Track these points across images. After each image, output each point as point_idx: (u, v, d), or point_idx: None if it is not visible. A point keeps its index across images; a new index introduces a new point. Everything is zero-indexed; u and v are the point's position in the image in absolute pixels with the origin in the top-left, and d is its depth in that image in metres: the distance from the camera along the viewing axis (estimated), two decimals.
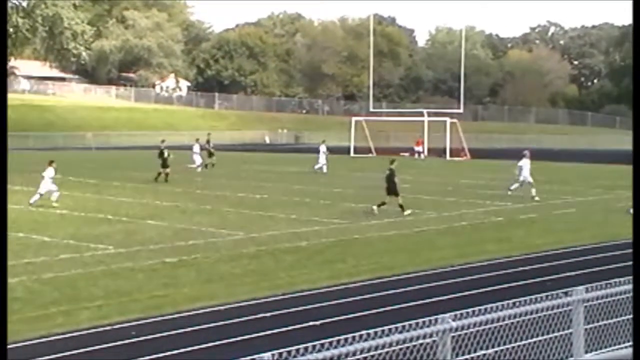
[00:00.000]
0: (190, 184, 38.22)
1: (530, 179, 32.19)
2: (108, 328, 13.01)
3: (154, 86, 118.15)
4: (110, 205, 29.31)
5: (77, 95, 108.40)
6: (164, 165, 38.90)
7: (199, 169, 45.42)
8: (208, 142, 49.11)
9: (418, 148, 67.33)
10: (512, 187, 32.48)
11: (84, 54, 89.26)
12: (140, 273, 17.37)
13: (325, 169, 45.95)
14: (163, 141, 40.20)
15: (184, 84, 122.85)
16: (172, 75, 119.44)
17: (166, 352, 11.82)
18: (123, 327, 13.03)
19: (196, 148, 46.39)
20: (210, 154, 48.21)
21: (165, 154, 38.84)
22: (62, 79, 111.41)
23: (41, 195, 28.54)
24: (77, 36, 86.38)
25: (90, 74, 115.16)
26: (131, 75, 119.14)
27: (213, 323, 13.38)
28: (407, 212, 26.77)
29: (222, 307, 14.42)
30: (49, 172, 29.06)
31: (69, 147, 74.59)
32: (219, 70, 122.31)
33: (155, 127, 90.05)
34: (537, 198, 31.38)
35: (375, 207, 26.89)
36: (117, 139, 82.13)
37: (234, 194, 33.71)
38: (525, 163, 32.63)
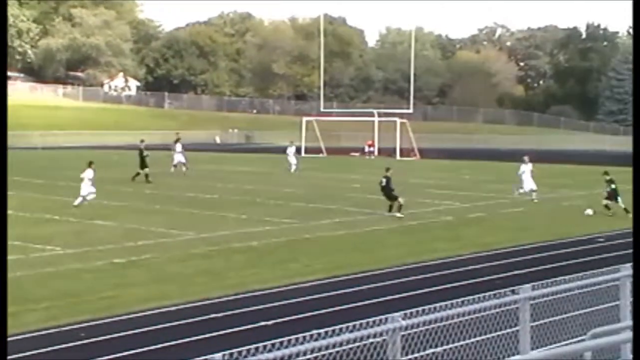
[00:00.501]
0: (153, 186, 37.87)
1: (531, 187, 31.67)
2: (56, 330, 12.84)
3: (102, 85, 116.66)
4: (58, 205, 28.88)
5: (23, 94, 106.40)
6: (143, 165, 38.51)
7: (183, 168, 43.53)
8: (177, 142, 47.50)
9: (368, 148, 67.67)
10: (520, 191, 31.99)
11: (29, 52, 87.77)
12: (89, 274, 17.17)
13: (293, 169, 46.67)
14: (142, 141, 39.69)
15: (133, 83, 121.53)
16: (121, 74, 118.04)
17: (116, 353, 11.71)
18: (72, 329, 12.87)
19: (178, 147, 44.47)
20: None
21: (144, 154, 38.47)
22: (7, 78, 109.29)
23: (84, 197, 28.16)
24: (22, 34, 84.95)
25: (36, 73, 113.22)
26: (79, 74, 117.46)
27: (164, 324, 13.29)
28: (400, 214, 26.59)
29: (173, 308, 14.34)
30: (88, 173, 28.69)
31: (14, 146, 72.94)
32: (169, 69, 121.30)
33: (104, 127, 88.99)
34: (535, 200, 31.15)
35: (398, 214, 26.63)
36: (64, 139, 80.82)
37: (184, 194, 33.48)
38: (526, 169, 32.03)
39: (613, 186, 27.91)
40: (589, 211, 27.83)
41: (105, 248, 20.11)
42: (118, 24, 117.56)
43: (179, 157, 44.18)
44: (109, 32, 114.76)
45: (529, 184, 31.76)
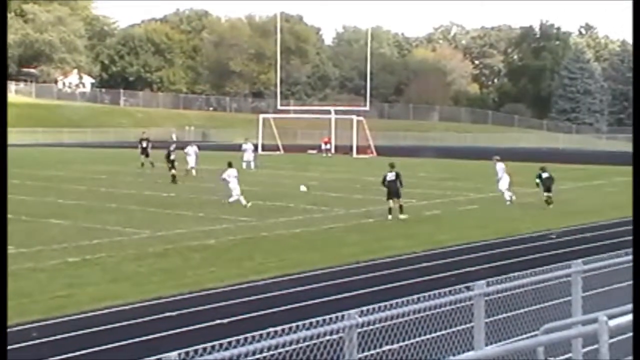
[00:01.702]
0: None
1: (502, 186, 31.08)
2: (7, 330, 12.62)
3: (56, 82, 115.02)
4: (10, 203, 28.36)
5: None
6: (172, 166, 37.80)
7: (193, 172, 41.40)
8: (143, 140, 46.67)
9: (325, 146, 67.64)
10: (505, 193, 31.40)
11: None
12: (42, 273, 16.93)
13: (253, 166, 46.23)
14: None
15: (88, 80, 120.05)
16: (75, 71, 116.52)
17: (69, 353, 11.58)
18: (23, 329, 12.68)
19: (190, 150, 42.53)
20: (145, 154, 46.25)
21: (173, 156, 37.86)
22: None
23: (238, 195, 28.39)
24: None
25: None
26: (32, 70, 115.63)
27: (118, 323, 13.17)
28: (404, 216, 25.84)
29: (127, 307, 14.21)
30: (232, 171, 29.16)
31: None
32: (124, 66, 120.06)
33: (58, 124, 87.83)
34: (507, 203, 30.50)
35: (402, 216, 25.72)
36: (17, 136, 79.52)
37: (140, 192, 33.19)
38: (499, 168, 31.41)
39: (546, 175, 29.84)
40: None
41: (59, 247, 19.85)
42: (72, 20, 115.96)
43: (190, 159, 42.00)
44: (63, 28, 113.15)
45: (504, 183, 31.19)
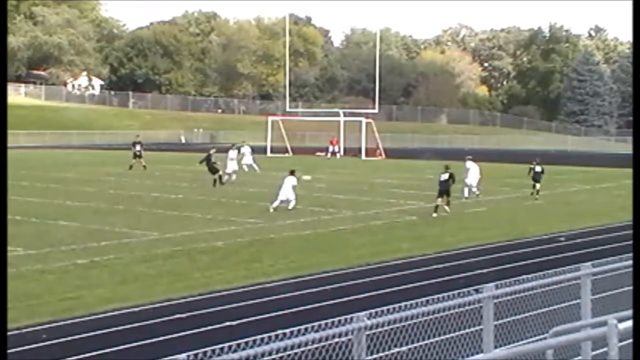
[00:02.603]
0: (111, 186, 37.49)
1: (469, 182, 32.88)
2: (17, 332, 12.66)
3: (65, 84, 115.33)
4: (19, 205, 28.48)
5: None
6: (213, 170, 37.09)
7: (233, 177, 39.84)
8: (136, 143, 47.06)
9: (333, 147, 67.52)
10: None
11: None
12: (50, 275, 16.97)
13: (256, 167, 45.70)
14: (213, 148, 39.02)
15: (97, 83, 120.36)
16: (85, 73, 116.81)
17: (79, 355, 11.60)
18: (33, 330, 12.71)
19: (232, 154, 40.96)
20: (137, 156, 46.35)
21: (213, 159, 37.39)
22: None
23: (282, 201, 28.42)
24: None
25: None
26: (41, 72, 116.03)
27: (127, 325, 13.19)
28: (448, 209, 27.69)
29: (136, 309, 14.23)
30: (292, 180, 28.99)
31: None
32: (133, 68, 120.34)
33: (66, 126, 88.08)
34: (464, 197, 32.44)
35: (435, 214, 27.27)
36: (26, 138, 79.85)
37: (148, 194, 33.25)
38: (470, 167, 33.46)
39: (538, 169, 32.31)
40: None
41: (67, 249, 19.90)
42: (81, 23, 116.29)
43: (232, 165, 40.38)
44: (72, 30, 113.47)
45: (470, 180, 33.18)
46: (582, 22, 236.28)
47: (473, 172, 33.11)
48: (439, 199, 27.75)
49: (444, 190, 27.96)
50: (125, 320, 13.47)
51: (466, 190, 32.71)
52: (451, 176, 28.26)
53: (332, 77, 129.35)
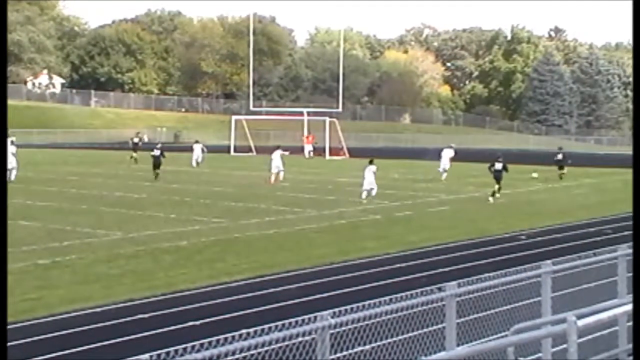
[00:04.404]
0: (66, 182, 37.11)
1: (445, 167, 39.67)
2: None
3: (25, 82, 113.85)
4: None
5: None
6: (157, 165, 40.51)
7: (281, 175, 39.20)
8: (136, 140, 54.48)
9: (308, 146, 65.10)
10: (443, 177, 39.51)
11: None
12: (10, 276, 16.72)
13: (200, 161, 50.10)
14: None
15: (58, 81, 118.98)
16: (45, 71, 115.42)
17: (39, 356, 11.48)
18: None
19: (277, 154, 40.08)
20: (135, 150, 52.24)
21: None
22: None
23: (367, 191, 31.20)
24: None
25: None
26: None
27: (89, 325, 13.08)
28: (493, 198, 31.34)
29: (98, 309, 14.11)
30: (372, 168, 31.97)
31: None
32: (95, 67, 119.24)
33: (27, 125, 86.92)
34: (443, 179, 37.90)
35: (491, 198, 31.55)
36: None
37: (111, 194, 32.98)
38: (447, 153, 39.45)
39: (498, 166, 33.07)
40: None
41: (28, 249, 19.67)
42: (41, 20, 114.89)
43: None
44: (32, 28, 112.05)
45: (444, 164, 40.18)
46: (543, 23, 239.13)
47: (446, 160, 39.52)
48: (496, 186, 31.54)
49: (497, 177, 31.80)
50: (87, 320, 13.35)
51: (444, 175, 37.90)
52: (504, 167, 32.03)
53: (296, 76, 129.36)
